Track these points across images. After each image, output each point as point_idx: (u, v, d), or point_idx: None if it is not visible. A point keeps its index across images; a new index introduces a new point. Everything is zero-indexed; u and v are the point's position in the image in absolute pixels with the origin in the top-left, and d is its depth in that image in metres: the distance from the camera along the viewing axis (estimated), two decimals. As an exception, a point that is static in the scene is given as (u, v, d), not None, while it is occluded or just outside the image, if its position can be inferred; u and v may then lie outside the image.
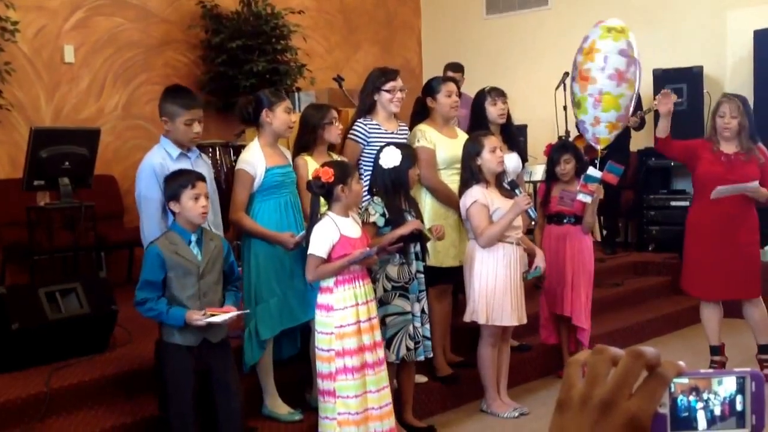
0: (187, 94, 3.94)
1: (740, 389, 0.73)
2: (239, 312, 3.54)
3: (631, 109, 5.17)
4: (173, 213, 3.52)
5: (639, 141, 8.01)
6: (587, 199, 4.90)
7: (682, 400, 0.73)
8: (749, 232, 4.99)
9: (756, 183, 4.78)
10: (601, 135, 5.09)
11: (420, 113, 4.88)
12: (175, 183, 3.49)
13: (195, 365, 3.49)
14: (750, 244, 5.00)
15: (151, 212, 3.65)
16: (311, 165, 4.16)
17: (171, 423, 3.49)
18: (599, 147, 5.18)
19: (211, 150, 5.69)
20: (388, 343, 4.05)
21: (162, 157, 3.72)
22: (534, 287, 5.07)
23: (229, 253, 3.67)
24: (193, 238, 3.50)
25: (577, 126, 5.41)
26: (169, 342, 3.49)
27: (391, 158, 4.10)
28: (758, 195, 4.82)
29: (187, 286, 3.45)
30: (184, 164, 3.74)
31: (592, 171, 4.89)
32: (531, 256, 4.66)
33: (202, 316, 3.39)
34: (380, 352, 3.89)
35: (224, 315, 3.44)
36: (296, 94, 7.13)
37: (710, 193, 4.80)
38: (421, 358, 4.23)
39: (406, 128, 4.71)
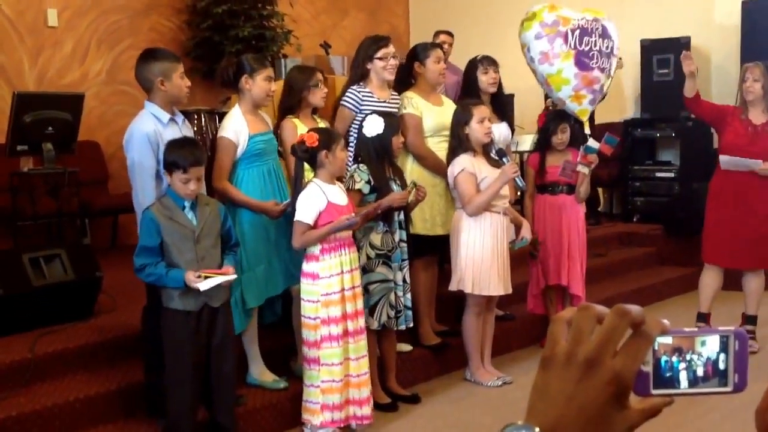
0: (167, 50, 4.00)
1: (724, 348, 0.74)
2: (231, 277, 3.48)
3: (609, 65, 5.22)
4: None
5: (624, 111, 8.02)
6: (585, 170, 4.92)
7: (665, 360, 0.74)
8: (767, 203, 4.97)
9: (759, 162, 4.78)
10: (575, 109, 5.12)
11: (404, 81, 4.85)
12: (170, 158, 3.43)
13: (195, 330, 3.46)
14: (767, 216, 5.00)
15: (145, 179, 3.60)
16: (300, 128, 4.14)
17: (167, 389, 3.47)
18: (582, 118, 5.20)
19: (196, 116, 5.64)
20: (371, 310, 4.07)
21: (154, 123, 3.66)
22: (530, 255, 5.08)
23: (226, 218, 3.64)
24: (187, 203, 3.47)
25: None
26: (169, 307, 3.45)
27: (374, 127, 4.09)
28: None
29: (183, 251, 3.42)
30: (174, 129, 3.70)
31: (591, 142, 4.92)
32: (517, 227, 4.68)
33: (197, 278, 3.36)
34: (361, 321, 3.92)
35: (216, 279, 3.41)
36: (282, 60, 7.07)
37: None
38: (402, 327, 4.26)
39: (398, 98, 4.68)
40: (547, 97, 6.80)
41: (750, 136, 4.90)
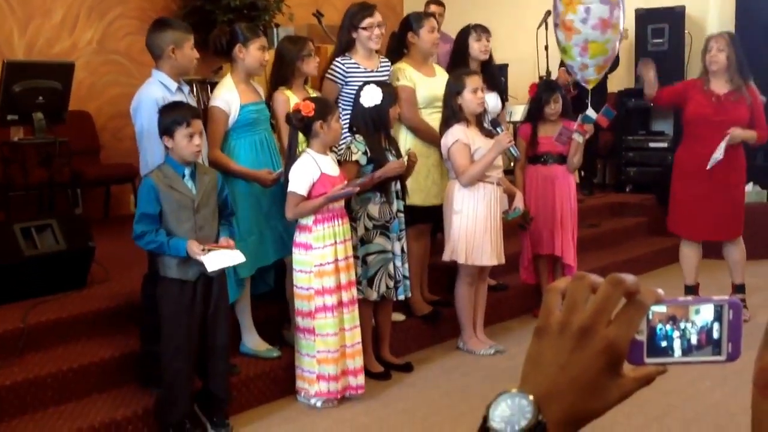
0: (179, 21, 3.99)
1: (718, 317, 0.74)
2: (239, 260, 3.50)
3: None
4: (166, 147, 3.46)
5: (619, 82, 7.99)
6: (581, 139, 4.91)
7: (660, 329, 0.74)
8: (736, 173, 4.99)
9: (730, 134, 4.77)
10: (591, 77, 5.09)
11: (396, 50, 4.81)
12: (169, 118, 3.41)
13: (192, 299, 3.47)
14: (737, 185, 5.03)
15: (155, 145, 3.56)
16: (293, 100, 4.11)
17: (163, 359, 3.47)
18: (588, 87, 5.18)
19: (188, 86, 5.59)
20: (369, 281, 4.08)
21: (162, 91, 3.65)
22: (519, 227, 5.08)
23: (223, 188, 3.64)
24: (187, 171, 3.45)
25: (562, 64, 5.40)
26: (166, 276, 3.44)
27: (372, 97, 4.07)
28: (745, 137, 4.83)
29: (182, 220, 3.41)
30: (181, 98, 3.69)
31: (590, 112, 4.89)
32: (510, 197, 4.67)
33: (201, 251, 3.36)
34: (354, 291, 3.93)
35: (221, 255, 3.41)
36: (274, 29, 7.00)
37: (698, 134, 4.86)
38: (402, 297, 4.27)
39: (389, 65, 4.64)
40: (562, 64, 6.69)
41: (714, 107, 4.88)
